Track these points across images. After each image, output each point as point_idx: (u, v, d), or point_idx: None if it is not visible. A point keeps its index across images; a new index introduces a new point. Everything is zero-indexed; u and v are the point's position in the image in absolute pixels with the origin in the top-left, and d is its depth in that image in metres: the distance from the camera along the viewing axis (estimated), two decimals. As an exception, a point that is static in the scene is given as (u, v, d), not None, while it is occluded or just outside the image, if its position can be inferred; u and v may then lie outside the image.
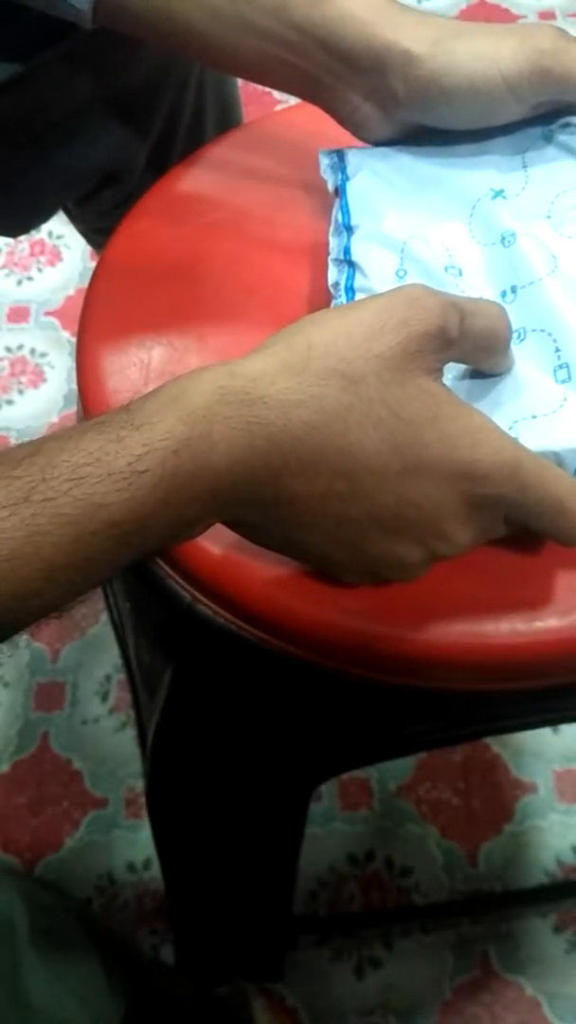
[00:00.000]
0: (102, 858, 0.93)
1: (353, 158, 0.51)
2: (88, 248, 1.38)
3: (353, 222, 0.49)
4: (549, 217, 0.47)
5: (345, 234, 0.49)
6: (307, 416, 0.35)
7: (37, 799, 0.96)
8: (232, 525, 0.38)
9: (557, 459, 0.40)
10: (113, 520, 0.33)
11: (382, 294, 0.38)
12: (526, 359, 0.43)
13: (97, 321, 0.52)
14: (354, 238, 0.48)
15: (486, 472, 0.37)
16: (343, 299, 0.47)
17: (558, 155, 0.49)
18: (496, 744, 0.97)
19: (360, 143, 0.52)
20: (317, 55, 0.48)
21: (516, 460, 0.37)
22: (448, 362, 0.39)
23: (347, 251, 0.48)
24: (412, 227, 0.48)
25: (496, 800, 0.94)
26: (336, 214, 0.50)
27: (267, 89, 0.53)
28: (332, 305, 0.47)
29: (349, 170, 0.51)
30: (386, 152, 0.51)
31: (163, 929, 0.88)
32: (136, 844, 0.93)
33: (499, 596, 0.42)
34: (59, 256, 1.39)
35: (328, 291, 0.48)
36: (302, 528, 0.37)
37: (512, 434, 0.39)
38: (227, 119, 0.75)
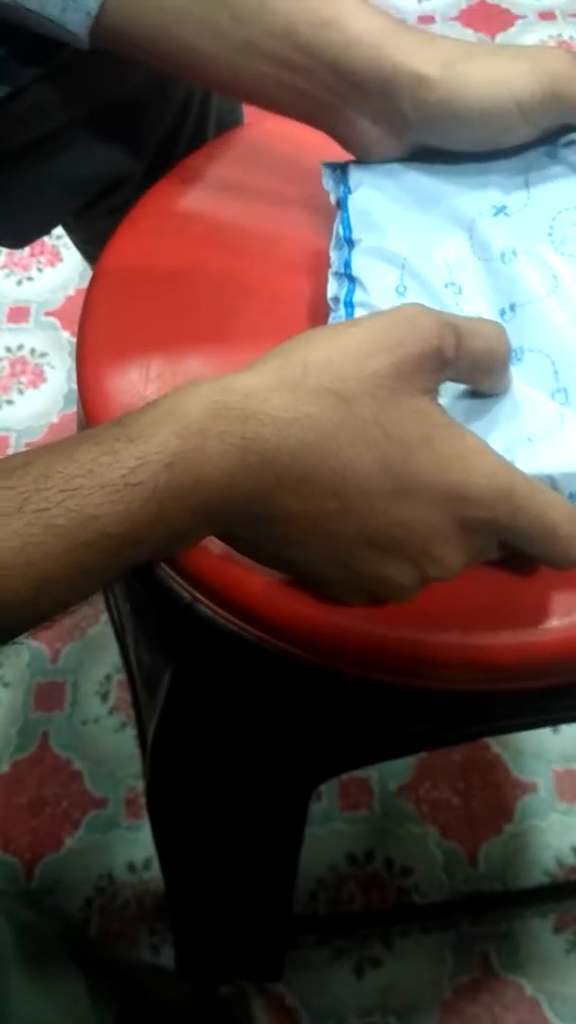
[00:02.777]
0: (102, 858, 0.93)
1: (355, 172, 0.51)
2: (88, 248, 1.38)
3: (354, 236, 0.49)
4: (550, 235, 0.47)
5: (346, 248, 0.49)
6: (300, 434, 0.35)
7: (37, 799, 0.96)
8: (225, 538, 0.39)
9: (552, 483, 0.40)
10: (106, 532, 0.33)
11: (379, 313, 0.38)
12: (524, 380, 0.42)
13: (97, 321, 0.52)
14: (355, 252, 0.48)
15: (478, 495, 0.37)
16: (342, 313, 0.46)
17: (561, 172, 0.49)
18: (496, 744, 0.97)
19: None
20: (324, 78, 0.48)
21: (510, 484, 0.37)
22: (444, 382, 0.39)
23: (348, 265, 0.48)
24: (413, 243, 0.48)
25: (496, 800, 0.94)
26: (337, 227, 0.50)
27: (267, 89, 0.53)
28: (330, 319, 0.47)
29: (351, 183, 0.51)
30: (389, 168, 0.51)
31: (163, 929, 0.88)
32: (136, 844, 0.93)
33: (499, 596, 0.42)
34: (59, 256, 1.39)
35: (327, 303, 0.48)
36: (293, 545, 0.37)
37: (508, 457, 0.39)
38: (232, 125, 0.75)
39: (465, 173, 0.50)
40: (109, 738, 0.99)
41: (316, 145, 0.53)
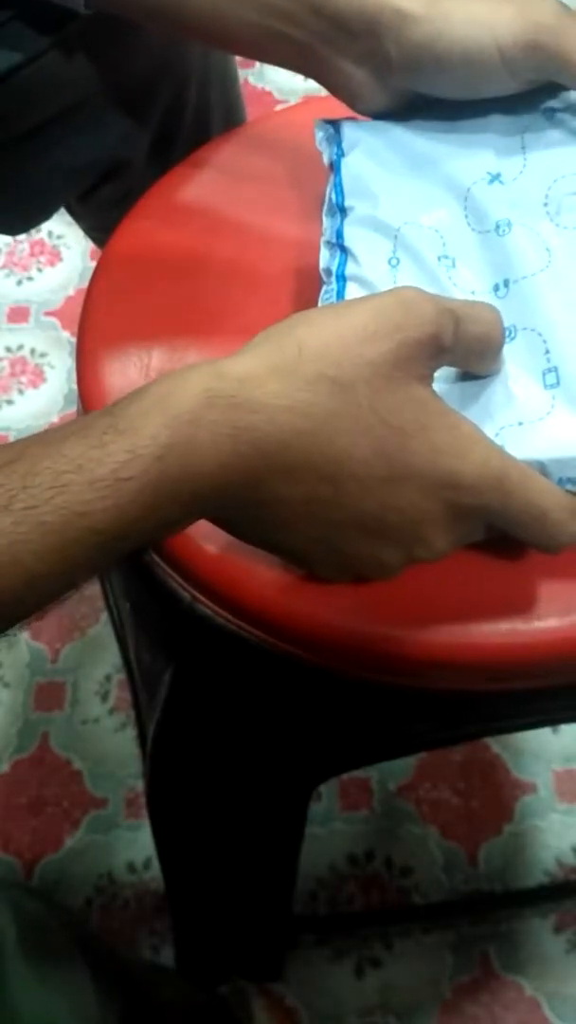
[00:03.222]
0: (102, 858, 0.93)
1: (349, 132, 0.50)
2: (88, 248, 1.38)
3: (347, 203, 0.48)
4: (546, 204, 0.46)
5: (338, 215, 0.48)
6: (294, 421, 0.35)
7: (37, 799, 0.96)
8: (212, 520, 0.38)
9: (542, 468, 0.40)
10: (95, 528, 0.32)
11: (376, 295, 0.38)
12: (516, 360, 0.42)
13: (97, 321, 0.52)
14: (347, 221, 0.48)
15: (472, 483, 0.37)
16: (334, 287, 0.46)
17: (558, 137, 0.48)
18: (496, 744, 0.97)
19: (356, 116, 0.51)
20: (309, 22, 0.48)
21: (502, 471, 0.37)
22: (439, 367, 0.39)
23: (340, 234, 0.47)
24: (407, 212, 0.47)
25: (496, 800, 0.94)
26: (330, 192, 0.49)
27: (267, 89, 0.53)
28: (322, 292, 0.46)
29: (344, 145, 0.50)
30: (383, 127, 0.50)
31: (163, 929, 0.88)
32: (136, 844, 0.93)
33: (498, 596, 0.42)
34: (59, 256, 1.39)
35: (319, 275, 0.47)
36: (284, 528, 0.37)
37: (499, 441, 0.39)
38: (232, 118, 0.75)
39: (461, 133, 0.49)
40: (109, 738, 0.99)
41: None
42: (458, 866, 0.91)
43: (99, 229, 0.82)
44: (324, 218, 0.49)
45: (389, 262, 0.46)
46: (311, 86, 0.52)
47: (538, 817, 0.93)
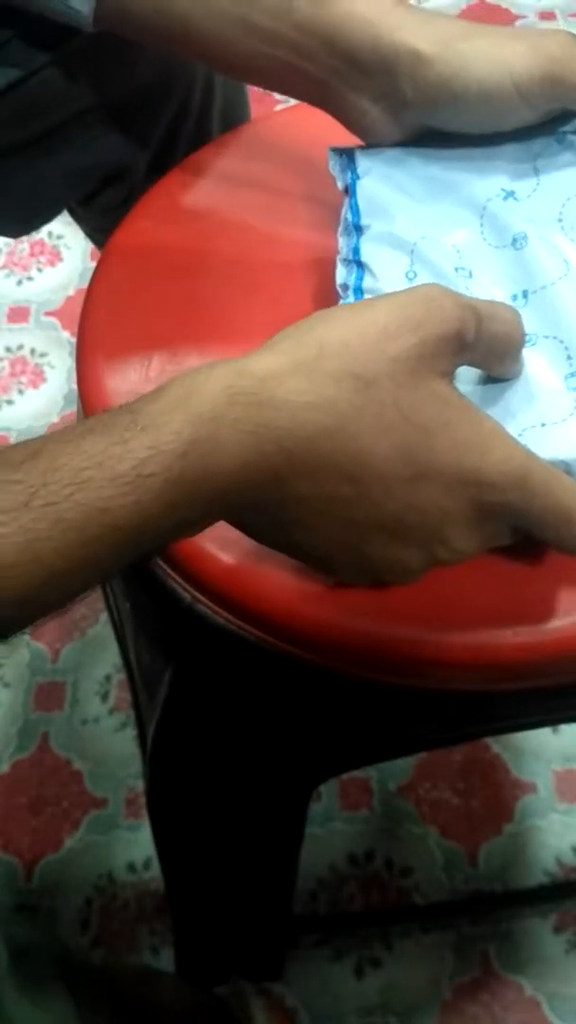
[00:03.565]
0: (102, 858, 0.93)
1: (363, 159, 0.51)
2: (88, 248, 1.38)
3: (363, 222, 0.48)
4: (560, 220, 0.46)
5: (355, 234, 0.48)
6: (318, 419, 0.34)
7: (37, 799, 0.96)
8: (233, 522, 0.38)
9: (567, 468, 0.40)
10: (116, 524, 0.32)
11: (398, 292, 0.37)
12: (537, 364, 0.42)
13: (97, 321, 0.52)
14: (363, 238, 0.48)
15: (494, 480, 0.36)
16: (352, 300, 0.46)
17: (571, 159, 0.49)
18: (496, 744, 0.97)
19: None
20: (322, 57, 0.47)
21: (526, 468, 0.37)
22: (461, 365, 0.38)
23: (356, 251, 0.48)
24: (423, 229, 0.48)
25: (496, 800, 0.94)
26: (346, 213, 0.49)
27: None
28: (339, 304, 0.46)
29: (359, 169, 0.50)
30: (396, 155, 0.50)
31: (163, 929, 0.88)
32: (136, 844, 0.93)
33: (499, 596, 0.42)
34: (59, 256, 1.39)
35: (335, 292, 0.47)
36: (304, 529, 0.37)
37: (522, 442, 0.39)
38: (234, 122, 0.75)
39: (473, 159, 0.49)
40: (109, 738, 0.99)
41: (323, 141, 0.52)
42: (458, 866, 0.91)
43: (100, 231, 0.82)
44: (340, 237, 0.49)
45: (406, 275, 0.46)
46: (311, 86, 0.52)
47: (538, 817, 0.93)
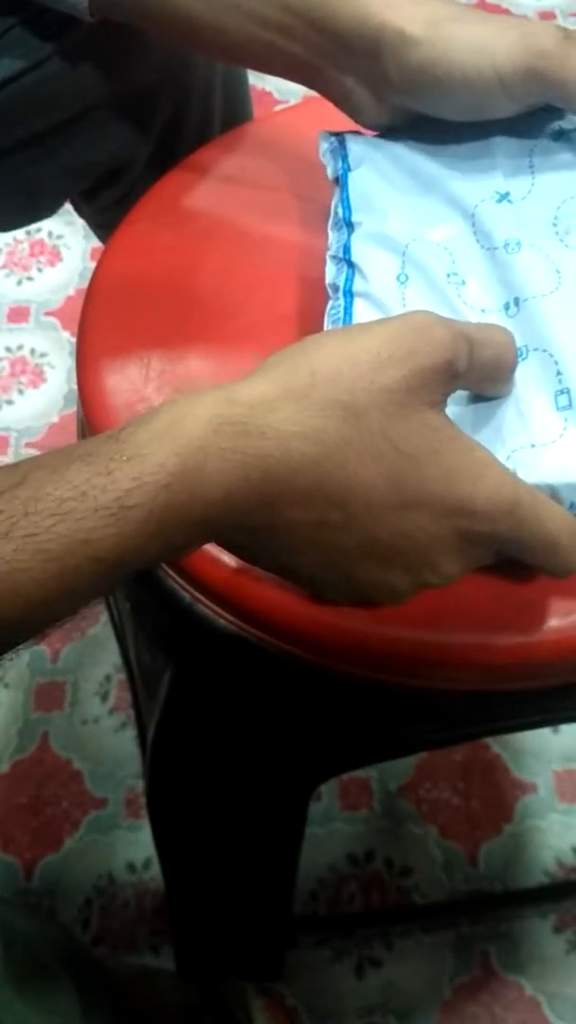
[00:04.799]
0: (102, 858, 0.93)
1: (355, 148, 0.50)
2: (88, 248, 1.38)
3: (354, 218, 0.48)
4: (555, 224, 0.46)
5: (345, 231, 0.48)
6: (306, 448, 0.34)
7: (37, 799, 0.96)
8: (221, 544, 0.38)
9: (552, 492, 0.39)
10: (97, 556, 0.32)
11: (389, 319, 0.37)
12: (527, 380, 0.42)
13: (97, 321, 0.52)
14: (354, 236, 0.47)
15: (484, 508, 0.36)
16: (341, 302, 0.46)
17: (567, 158, 0.48)
18: (496, 744, 0.97)
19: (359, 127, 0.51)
20: (310, 38, 0.47)
21: (515, 497, 0.37)
22: (453, 392, 0.38)
23: (347, 249, 0.47)
24: (415, 228, 0.47)
25: (496, 800, 0.94)
26: (336, 207, 0.49)
27: (267, 89, 0.53)
28: (328, 308, 0.46)
29: (351, 160, 0.50)
30: (388, 145, 0.50)
31: (163, 929, 0.88)
32: (136, 844, 0.93)
33: (499, 596, 0.42)
34: (59, 256, 1.39)
35: (326, 291, 0.47)
36: (292, 552, 0.37)
37: (510, 464, 0.39)
38: (238, 120, 0.75)
39: (469, 154, 0.49)
40: (109, 738, 0.99)
41: (316, 143, 0.53)
42: (458, 866, 0.91)
43: (101, 226, 0.82)
44: (330, 232, 0.48)
45: (398, 279, 0.46)
46: (311, 87, 0.52)
47: (538, 817, 0.93)
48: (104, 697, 1.02)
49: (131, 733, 0.99)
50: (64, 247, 1.39)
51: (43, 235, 1.41)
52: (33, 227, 1.41)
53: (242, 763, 0.54)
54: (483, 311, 0.45)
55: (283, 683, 0.45)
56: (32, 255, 1.39)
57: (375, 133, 0.51)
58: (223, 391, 0.35)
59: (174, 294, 0.53)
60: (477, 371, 0.38)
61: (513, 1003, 0.85)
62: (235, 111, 0.74)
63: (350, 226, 0.48)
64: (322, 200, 0.54)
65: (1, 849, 0.93)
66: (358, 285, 0.46)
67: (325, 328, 0.45)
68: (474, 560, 0.39)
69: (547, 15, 1.67)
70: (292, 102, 0.56)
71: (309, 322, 0.50)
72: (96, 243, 1.16)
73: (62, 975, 0.53)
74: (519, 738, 0.98)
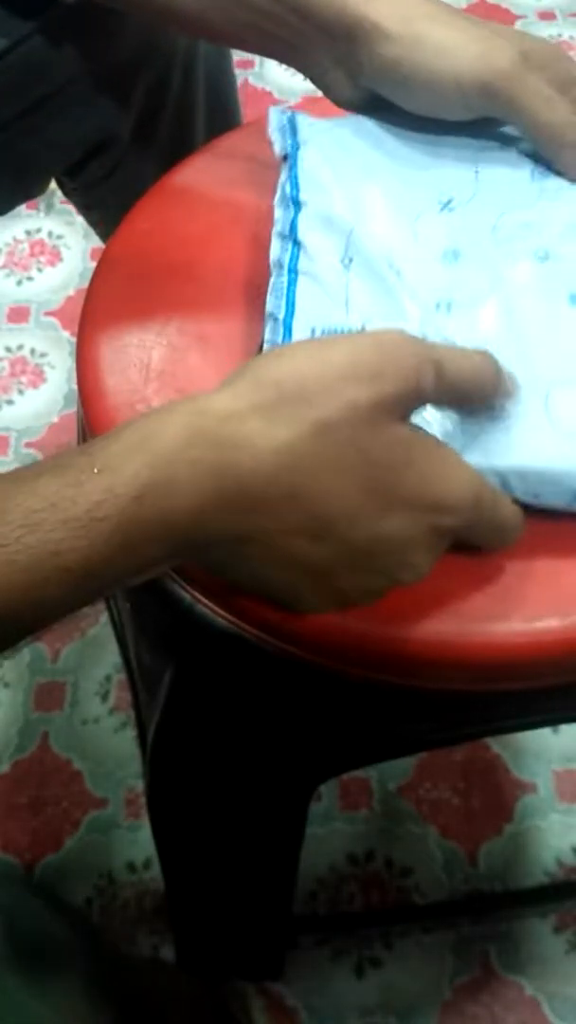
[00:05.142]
0: (102, 858, 0.93)
1: (304, 127, 0.51)
2: (88, 248, 1.38)
3: (302, 197, 0.48)
4: (494, 232, 0.46)
5: (292, 208, 0.48)
6: (278, 460, 0.35)
7: (37, 799, 0.96)
8: (200, 563, 0.38)
9: (500, 477, 0.41)
10: (67, 567, 0.32)
11: (356, 336, 0.38)
12: None
13: (97, 321, 0.52)
14: (301, 215, 0.48)
15: (455, 505, 0.38)
16: (285, 279, 0.46)
17: (512, 160, 0.49)
18: (496, 744, 0.97)
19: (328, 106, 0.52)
20: (290, 21, 0.49)
21: (479, 490, 0.38)
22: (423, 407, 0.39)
23: (293, 227, 0.47)
24: (360, 214, 0.47)
25: (496, 800, 0.94)
26: (284, 184, 0.49)
27: (267, 89, 0.53)
28: (272, 284, 0.46)
29: (300, 136, 0.51)
30: (341, 133, 0.51)
31: (163, 929, 0.88)
32: (136, 844, 0.93)
33: (498, 596, 0.42)
34: (59, 256, 1.39)
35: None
36: (270, 563, 0.37)
37: (470, 444, 0.40)
38: (219, 103, 0.76)
39: (420, 149, 0.50)
40: (109, 738, 0.99)
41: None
42: (458, 866, 0.91)
43: (90, 207, 0.82)
44: (276, 209, 0.49)
45: (342, 261, 0.46)
46: (311, 87, 0.52)
47: (538, 817, 0.93)
48: (104, 697, 1.02)
49: (131, 733, 0.99)
50: (64, 247, 1.40)
51: (43, 235, 1.41)
52: (33, 227, 1.41)
53: (242, 763, 0.54)
54: (417, 303, 0.45)
55: (283, 683, 0.45)
56: (32, 255, 1.39)
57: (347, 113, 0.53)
58: (193, 403, 0.35)
59: (174, 294, 0.53)
60: (447, 393, 0.39)
61: (513, 1003, 0.85)
62: (219, 79, 0.75)
63: (297, 204, 0.48)
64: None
65: (1, 849, 0.93)
66: (303, 264, 0.46)
67: (266, 304, 0.46)
68: (440, 551, 0.40)
69: (547, 15, 1.67)
70: (292, 102, 0.56)
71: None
72: (96, 243, 1.16)
73: (68, 961, 0.53)
74: (519, 738, 0.98)
